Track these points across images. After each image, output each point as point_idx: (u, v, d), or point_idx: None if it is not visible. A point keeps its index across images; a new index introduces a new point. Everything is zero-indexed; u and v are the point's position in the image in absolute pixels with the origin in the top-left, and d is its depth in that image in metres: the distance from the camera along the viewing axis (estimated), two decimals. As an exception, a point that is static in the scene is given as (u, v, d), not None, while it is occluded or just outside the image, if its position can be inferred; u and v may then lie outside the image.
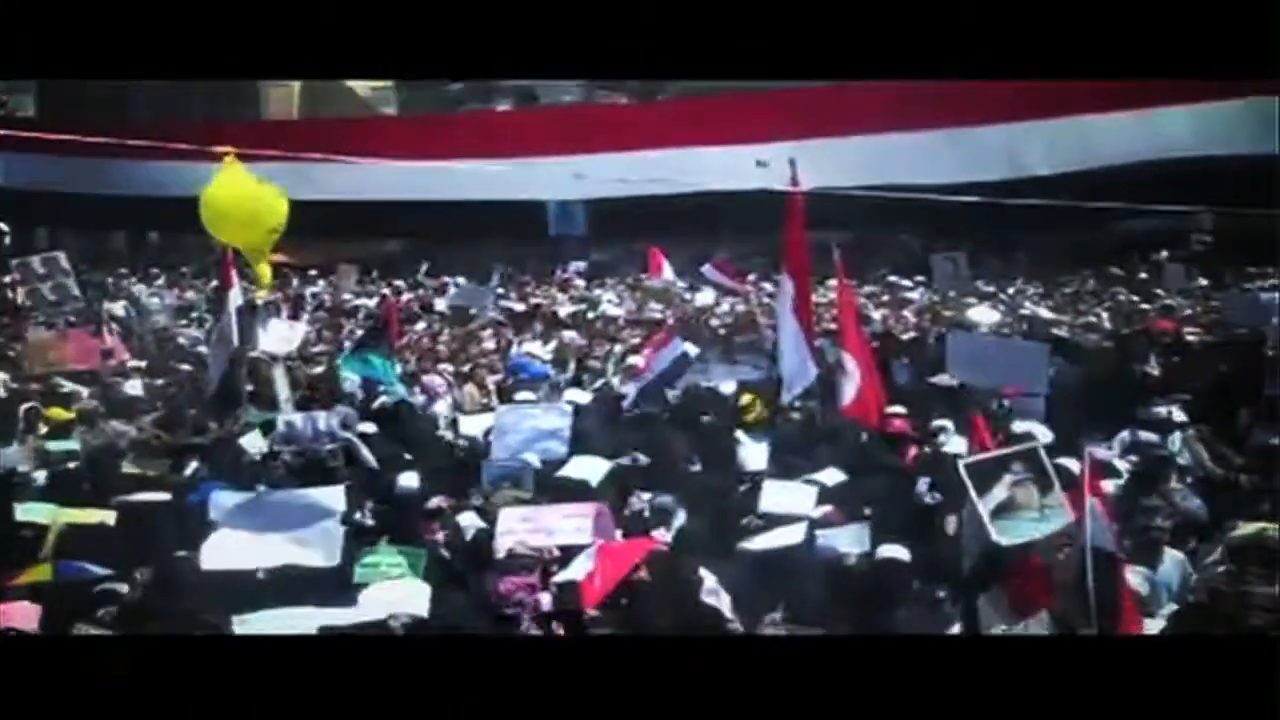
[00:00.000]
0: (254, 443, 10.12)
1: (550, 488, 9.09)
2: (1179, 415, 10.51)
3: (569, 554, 7.82)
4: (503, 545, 8.02)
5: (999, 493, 7.05)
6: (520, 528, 8.13)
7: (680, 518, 8.62)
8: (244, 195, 11.17)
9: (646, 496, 8.92)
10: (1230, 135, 12.90)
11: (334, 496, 8.19)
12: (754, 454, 9.76)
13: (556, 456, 9.63)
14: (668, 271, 20.64)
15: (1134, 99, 13.81)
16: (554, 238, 21.87)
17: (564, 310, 18.66)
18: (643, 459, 9.68)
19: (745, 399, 11.33)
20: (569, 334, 15.54)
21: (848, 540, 7.87)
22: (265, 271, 11.93)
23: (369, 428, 10.66)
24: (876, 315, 17.24)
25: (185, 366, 13.96)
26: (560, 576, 7.53)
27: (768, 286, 20.25)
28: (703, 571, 7.49)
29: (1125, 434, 10.14)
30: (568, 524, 8.15)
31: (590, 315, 17.82)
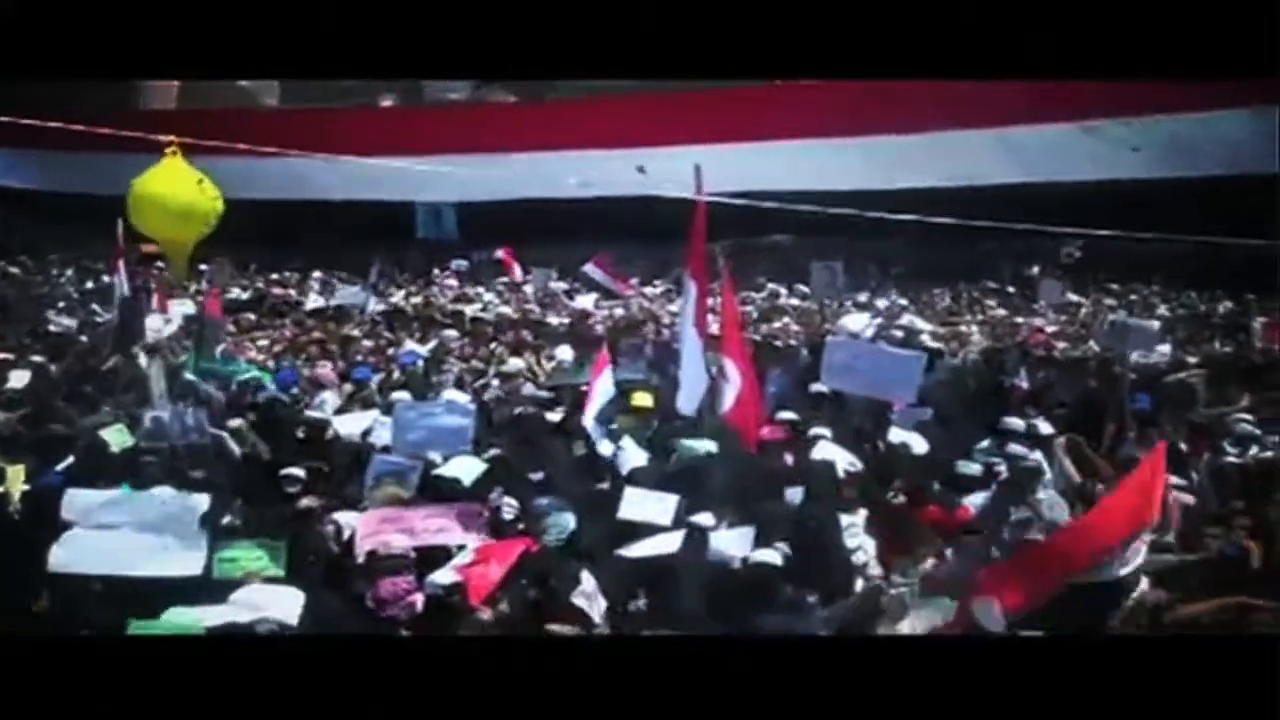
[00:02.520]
0: (118, 439, 9.86)
1: (424, 486, 9.01)
2: (1045, 427, 10.77)
3: (446, 554, 7.82)
4: (363, 548, 7.98)
5: None
6: (382, 529, 8.07)
7: (562, 520, 8.59)
8: (180, 190, 10.81)
9: (512, 502, 8.81)
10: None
11: (197, 501, 8.05)
12: (633, 457, 9.76)
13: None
14: (518, 274, 20.56)
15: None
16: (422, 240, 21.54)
17: (444, 309, 18.40)
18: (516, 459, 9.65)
19: (639, 399, 11.23)
20: (449, 333, 15.38)
21: (733, 544, 7.94)
22: (183, 269, 11.62)
23: (239, 422, 10.48)
24: (756, 321, 17.36)
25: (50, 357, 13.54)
26: (441, 577, 7.50)
27: (649, 291, 20.32)
28: (584, 574, 7.50)
29: (992, 445, 10.38)
30: (430, 524, 8.16)
31: (471, 315, 17.61)
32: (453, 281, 21.64)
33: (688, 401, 10.15)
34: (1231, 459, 10.12)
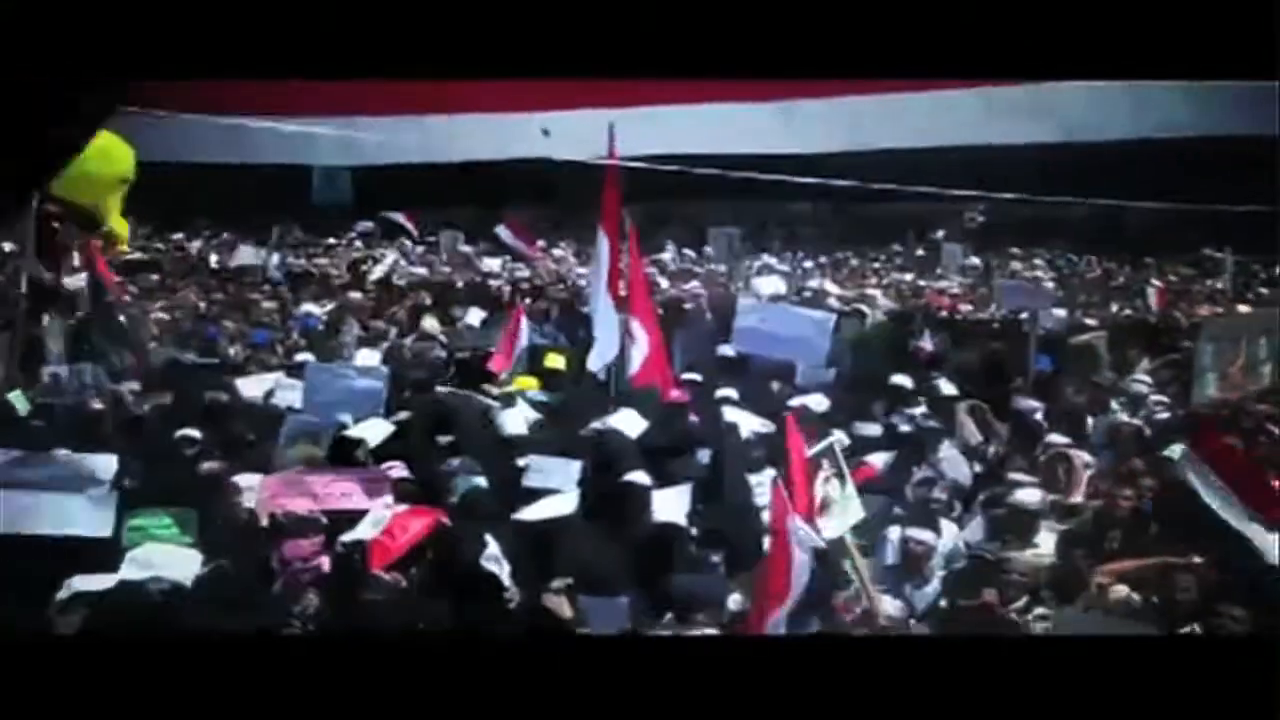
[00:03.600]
0: (21, 400, 9.63)
1: (330, 447, 8.89)
2: (948, 388, 10.91)
3: (355, 517, 7.73)
4: (263, 512, 7.90)
5: (816, 492, 7.09)
6: (282, 493, 7.99)
7: (466, 483, 8.53)
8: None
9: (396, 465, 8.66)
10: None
11: (107, 461, 7.89)
12: (513, 421, 9.73)
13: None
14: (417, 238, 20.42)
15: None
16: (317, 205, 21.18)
17: (346, 271, 18.14)
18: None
19: (552, 360, 11.22)
20: (354, 295, 15.20)
21: (672, 502, 7.95)
22: (120, 226, 11.39)
23: (136, 385, 10.29)
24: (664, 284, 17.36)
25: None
26: (347, 537, 7.42)
27: (556, 253, 20.25)
28: (488, 538, 7.46)
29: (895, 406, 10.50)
30: (334, 489, 8.04)
31: (376, 277, 17.39)
32: (358, 243, 21.41)
33: (598, 360, 10.13)
34: (1123, 418, 10.34)
